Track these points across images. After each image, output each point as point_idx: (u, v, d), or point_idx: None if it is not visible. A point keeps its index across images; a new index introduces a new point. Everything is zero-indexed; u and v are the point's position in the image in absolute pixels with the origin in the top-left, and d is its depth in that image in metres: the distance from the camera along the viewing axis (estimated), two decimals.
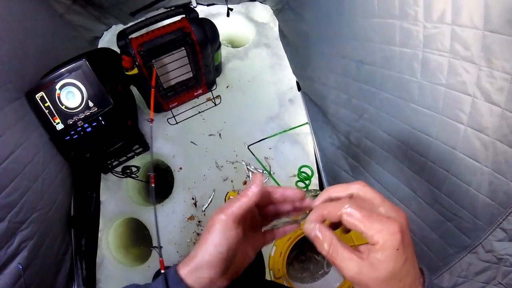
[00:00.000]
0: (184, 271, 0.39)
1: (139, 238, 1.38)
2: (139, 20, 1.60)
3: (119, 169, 1.24)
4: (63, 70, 0.99)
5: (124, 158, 1.28)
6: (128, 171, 1.23)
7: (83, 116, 1.03)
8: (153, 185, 0.74)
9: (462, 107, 0.55)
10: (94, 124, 1.05)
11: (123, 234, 1.35)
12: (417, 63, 0.62)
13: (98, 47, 1.61)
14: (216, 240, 0.38)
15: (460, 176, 0.60)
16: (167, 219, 1.23)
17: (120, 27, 1.64)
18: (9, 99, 0.94)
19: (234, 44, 1.63)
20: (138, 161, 1.31)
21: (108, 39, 1.63)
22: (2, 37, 0.93)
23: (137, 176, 1.25)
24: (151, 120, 0.92)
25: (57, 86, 1.00)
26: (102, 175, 1.31)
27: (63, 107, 1.02)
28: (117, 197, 1.29)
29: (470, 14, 0.49)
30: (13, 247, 0.87)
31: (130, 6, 1.47)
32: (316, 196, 1.09)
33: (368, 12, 0.73)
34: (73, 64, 0.99)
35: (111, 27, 1.64)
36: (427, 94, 0.62)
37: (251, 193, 0.40)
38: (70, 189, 1.21)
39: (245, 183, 1.24)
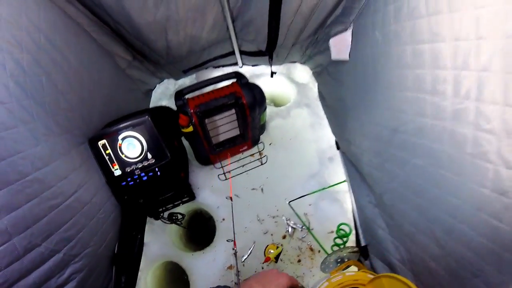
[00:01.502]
0: None
1: (176, 282, 1.42)
2: (193, 81, 1.77)
3: (164, 214, 1.32)
4: (127, 123, 1.10)
5: (171, 205, 1.37)
6: (174, 217, 1.31)
7: (141, 166, 1.13)
8: (235, 248, 0.87)
9: (485, 173, 0.61)
10: (150, 174, 1.15)
11: (160, 276, 1.38)
12: (446, 135, 0.69)
13: (151, 98, 1.77)
14: None
15: (485, 236, 0.64)
16: (207, 266, 1.27)
17: (171, 81, 1.81)
18: (76, 143, 1.05)
19: (276, 103, 1.74)
20: (183, 209, 1.38)
21: (161, 91, 1.80)
22: (75, 87, 1.06)
23: (181, 223, 1.32)
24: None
25: (120, 137, 1.10)
26: (148, 218, 1.40)
27: (123, 156, 1.12)
28: (160, 240, 1.35)
29: (492, 91, 0.56)
30: (64, 277, 0.93)
31: (183, 65, 1.63)
32: (353, 252, 1.12)
33: (402, 86, 0.80)
34: (137, 120, 1.11)
35: (163, 80, 1.82)
36: (454, 162, 0.68)
37: None
38: (119, 229, 1.29)
39: (284, 237, 1.27)
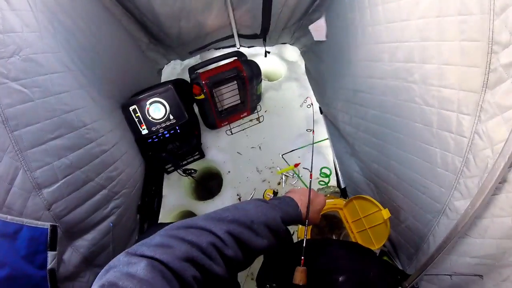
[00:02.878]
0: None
1: None
2: (198, 61, 2.04)
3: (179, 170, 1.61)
4: (155, 91, 1.38)
5: (185, 162, 1.66)
6: (188, 171, 1.60)
7: (164, 125, 1.41)
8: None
9: (415, 111, 0.89)
10: (171, 131, 1.43)
11: None
12: (388, 89, 0.98)
13: (162, 77, 2.05)
14: None
15: (424, 159, 0.91)
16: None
17: (178, 62, 2.08)
18: (115, 107, 1.33)
19: (270, 78, 2.04)
20: (195, 165, 1.68)
21: (168, 71, 2.07)
22: (115, 64, 1.35)
23: (195, 177, 1.62)
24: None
25: (148, 102, 1.37)
26: (165, 174, 1.68)
27: (149, 118, 1.39)
28: (176, 193, 1.63)
29: (412, 53, 0.83)
30: (107, 210, 1.18)
31: (190, 47, 1.90)
32: (335, 192, 1.43)
33: (358, 58, 1.11)
34: (163, 88, 1.39)
35: (170, 62, 2.08)
36: (395, 107, 0.95)
37: None
38: (143, 183, 1.53)
39: (279, 183, 1.59)
